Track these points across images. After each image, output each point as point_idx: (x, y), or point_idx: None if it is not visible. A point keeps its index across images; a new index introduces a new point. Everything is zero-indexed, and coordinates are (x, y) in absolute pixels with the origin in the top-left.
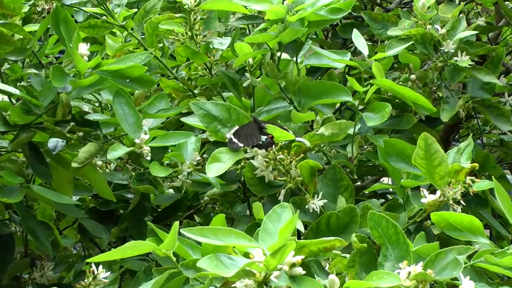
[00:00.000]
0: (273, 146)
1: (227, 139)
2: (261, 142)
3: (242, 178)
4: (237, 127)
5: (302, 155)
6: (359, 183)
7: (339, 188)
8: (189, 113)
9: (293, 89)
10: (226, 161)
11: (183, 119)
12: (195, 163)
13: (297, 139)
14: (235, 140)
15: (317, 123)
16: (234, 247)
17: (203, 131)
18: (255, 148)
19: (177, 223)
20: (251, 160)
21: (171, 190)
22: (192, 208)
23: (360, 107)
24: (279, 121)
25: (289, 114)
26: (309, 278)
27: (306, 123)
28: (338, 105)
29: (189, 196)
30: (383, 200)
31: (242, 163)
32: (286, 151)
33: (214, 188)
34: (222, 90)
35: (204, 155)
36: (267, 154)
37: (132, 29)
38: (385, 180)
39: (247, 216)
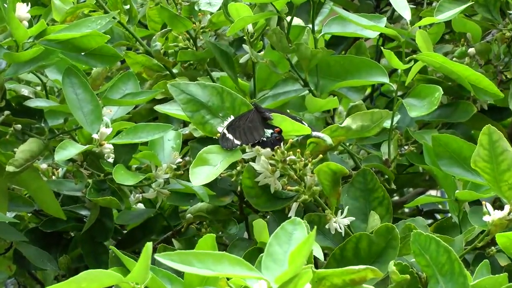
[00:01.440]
0: (281, 143)
1: (219, 134)
2: (265, 138)
3: (239, 188)
4: (232, 117)
5: (321, 156)
6: (397, 198)
7: (371, 201)
8: (166, 99)
9: (308, 67)
10: (217, 164)
11: (157, 108)
12: (174, 166)
13: (314, 134)
14: (230, 136)
15: (338, 115)
16: (228, 278)
17: (185, 124)
18: (257, 147)
19: (149, 245)
20: (251, 163)
21: (141, 205)
22: (169, 229)
23: (400, 92)
24: (289, 110)
25: (303, 101)
26: None
27: (326, 112)
28: (369, 89)
29: (165, 213)
30: (431, 220)
31: (238, 167)
32: (299, 150)
33: (200, 202)
34: (212, 68)
35: (187, 157)
36: (273, 155)
37: None
38: (433, 192)
39: (245, 240)
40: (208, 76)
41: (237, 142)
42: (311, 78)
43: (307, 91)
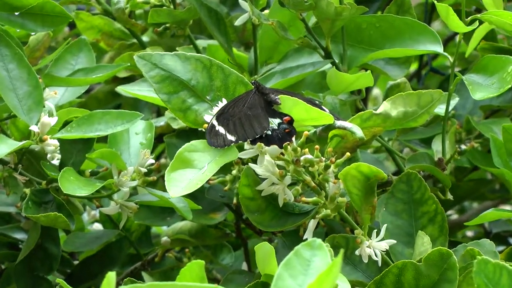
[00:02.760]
0: (293, 137)
1: (206, 126)
2: (269, 131)
3: (235, 200)
4: (224, 102)
5: (348, 154)
6: (456, 214)
7: (419, 217)
8: (133, 78)
9: (331, 31)
10: (203, 166)
11: (120, 89)
12: (144, 170)
13: (339, 123)
14: (221, 129)
15: (373, 98)
16: None
17: (160, 111)
18: (259, 143)
19: (111, 277)
20: (251, 165)
21: (98, 225)
22: (138, 258)
23: (458, 68)
24: (304, 91)
25: (323, 78)
26: None
27: (355, 93)
28: (415, 63)
29: (133, 236)
30: (503, 247)
31: (234, 171)
32: (317, 147)
33: (181, 220)
34: (196, 34)
35: (162, 158)
36: (282, 153)
37: None
38: (505, 207)
39: (243, 272)
40: (191, 45)
41: (231, 137)
42: (334, 47)
43: (329, 65)
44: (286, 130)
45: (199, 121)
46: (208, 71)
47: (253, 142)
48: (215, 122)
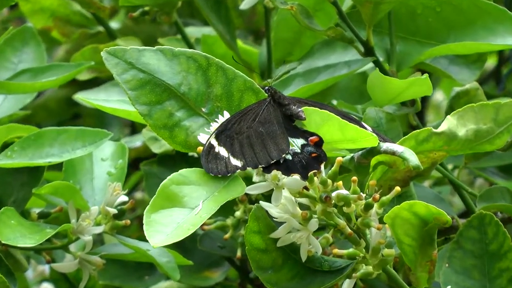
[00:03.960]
0: (322, 165)
1: (201, 148)
2: (290, 155)
3: (239, 253)
4: (226, 115)
5: (397, 189)
6: None
7: (496, 277)
8: (97, 81)
9: (373, 18)
10: (197, 205)
11: (79, 97)
12: (113, 211)
13: (385, 146)
14: (222, 150)
15: (434, 109)
16: None
17: (135, 128)
18: (274, 171)
19: None
20: (262, 204)
21: (47, 286)
22: None
23: None
24: (336, 101)
25: (363, 83)
26: None
27: (408, 105)
28: (492, 58)
29: None
30: None
31: (238, 212)
32: (355, 178)
33: (165, 280)
34: (186, 19)
35: (138, 194)
36: (306, 187)
37: None
38: None
39: None
40: (180, 35)
41: (236, 162)
42: (379, 40)
43: (370, 65)
44: (313, 155)
45: (190, 142)
46: (205, 74)
47: (267, 170)
48: (214, 142)
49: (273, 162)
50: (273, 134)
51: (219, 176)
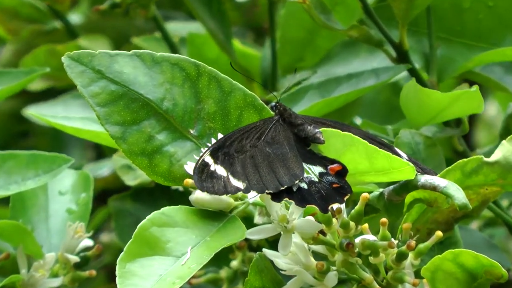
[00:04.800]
0: (344, 199)
1: (192, 171)
2: (305, 183)
3: None
4: (220, 136)
5: (439, 234)
6: None
7: None
8: (52, 91)
9: (407, 14)
10: (183, 253)
11: (28, 113)
12: (75, 258)
13: (423, 180)
14: (219, 169)
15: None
16: None
17: (101, 151)
18: (283, 211)
19: None
20: (266, 252)
21: None
22: None
23: None
24: (360, 119)
25: (396, 97)
26: None
27: (450, 125)
28: None
29: None
30: None
31: (235, 261)
32: (385, 220)
33: None
34: (167, 12)
35: (105, 235)
36: (322, 231)
37: None
38: None
39: None
40: (160, 32)
41: (237, 183)
42: (415, 42)
43: (404, 73)
44: (334, 185)
45: (175, 173)
46: (194, 86)
47: (277, 198)
48: (209, 159)
49: (283, 188)
50: (284, 156)
51: (211, 208)
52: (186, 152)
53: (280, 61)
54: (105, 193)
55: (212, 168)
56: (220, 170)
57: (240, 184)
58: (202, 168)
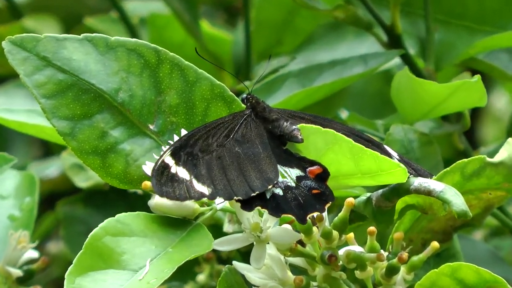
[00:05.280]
0: (325, 207)
1: (151, 174)
2: (280, 188)
3: None
4: (184, 133)
5: (434, 245)
6: None
7: None
8: None
9: None
10: (141, 266)
11: None
12: (17, 272)
13: (417, 183)
14: (182, 172)
15: (490, 127)
16: None
17: (48, 147)
18: (252, 215)
19: None
20: (236, 265)
21: None
22: None
23: None
24: (345, 113)
25: (387, 87)
26: None
27: (450, 120)
28: None
29: None
30: None
31: (202, 275)
32: (372, 229)
33: None
34: None
35: (53, 245)
36: (301, 242)
37: None
38: None
39: None
40: (117, 11)
41: (201, 188)
42: (409, 24)
43: (396, 60)
44: (314, 191)
45: (132, 174)
46: (154, 75)
47: (247, 206)
48: (169, 160)
49: (254, 194)
50: (256, 157)
51: (173, 214)
52: (144, 151)
53: (255, 45)
54: (53, 197)
55: (173, 170)
56: (182, 173)
57: (205, 189)
58: (161, 170)
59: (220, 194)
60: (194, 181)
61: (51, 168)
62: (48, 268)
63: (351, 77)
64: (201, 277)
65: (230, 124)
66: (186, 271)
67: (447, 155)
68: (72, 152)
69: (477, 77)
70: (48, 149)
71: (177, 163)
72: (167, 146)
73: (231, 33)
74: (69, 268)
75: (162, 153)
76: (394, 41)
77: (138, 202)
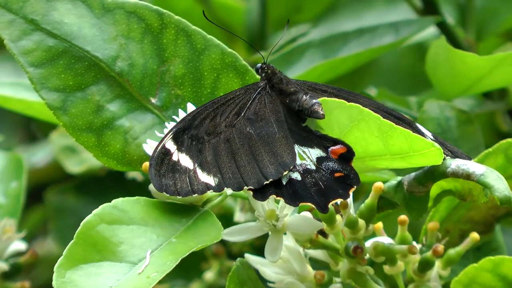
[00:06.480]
0: (350, 192)
1: (149, 162)
2: (298, 172)
3: None
4: (190, 109)
5: (474, 236)
6: None
7: None
8: None
9: None
10: (141, 258)
11: None
12: (3, 266)
13: (454, 165)
14: (185, 159)
15: None
16: None
17: (33, 129)
18: (271, 204)
19: None
20: (249, 258)
21: None
22: None
23: None
24: (373, 89)
25: (419, 61)
26: None
27: (492, 97)
28: None
29: None
30: None
31: (210, 273)
32: (404, 218)
33: None
34: None
35: (42, 240)
36: (323, 232)
37: None
38: None
39: None
40: None
41: (206, 178)
42: None
43: (432, 30)
44: (337, 175)
45: (131, 154)
46: (157, 41)
47: (260, 196)
48: (171, 145)
49: (268, 181)
50: (269, 138)
51: (177, 200)
52: (145, 128)
53: (271, 13)
54: (41, 189)
55: (174, 158)
56: (185, 161)
57: (211, 180)
58: (161, 158)
59: (228, 184)
60: (199, 171)
61: (38, 155)
62: (33, 270)
63: (380, 48)
64: (209, 275)
65: (242, 100)
66: (191, 267)
67: (488, 136)
68: (63, 132)
69: None
70: (34, 131)
71: (179, 149)
72: (169, 128)
73: (244, 0)
74: (59, 260)
75: (163, 137)
76: (429, 8)
77: (137, 190)
